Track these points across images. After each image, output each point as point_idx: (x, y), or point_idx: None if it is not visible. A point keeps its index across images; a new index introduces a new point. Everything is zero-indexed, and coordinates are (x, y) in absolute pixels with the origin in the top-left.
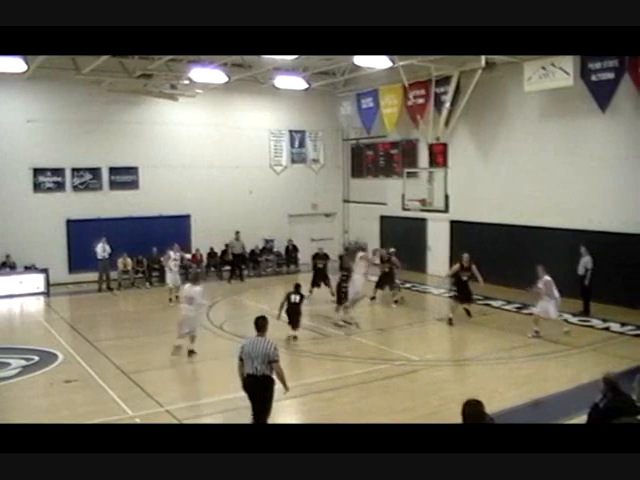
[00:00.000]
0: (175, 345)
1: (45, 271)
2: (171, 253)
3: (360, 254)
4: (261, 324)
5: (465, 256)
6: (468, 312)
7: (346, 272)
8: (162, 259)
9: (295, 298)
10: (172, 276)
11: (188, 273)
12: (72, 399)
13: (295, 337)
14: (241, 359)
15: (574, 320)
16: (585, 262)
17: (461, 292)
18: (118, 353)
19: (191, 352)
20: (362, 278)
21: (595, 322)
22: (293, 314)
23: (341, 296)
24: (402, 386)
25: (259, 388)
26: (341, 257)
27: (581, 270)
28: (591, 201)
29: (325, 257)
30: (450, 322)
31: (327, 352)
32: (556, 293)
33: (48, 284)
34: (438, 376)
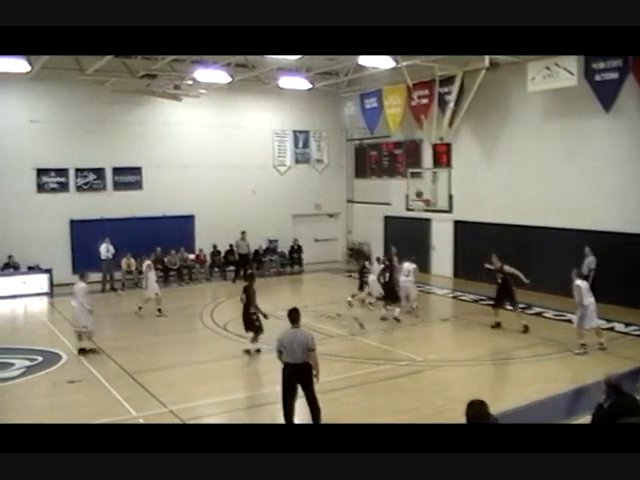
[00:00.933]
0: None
1: (49, 271)
2: (149, 262)
3: (412, 266)
4: (294, 316)
5: (493, 257)
6: (526, 328)
7: (394, 279)
8: (144, 267)
9: (242, 297)
10: (155, 285)
11: (192, 274)
12: (75, 399)
13: (248, 351)
14: (280, 351)
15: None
16: (589, 262)
17: (496, 296)
18: (121, 353)
19: (82, 350)
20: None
21: (599, 322)
22: (243, 318)
23: (395, 296)
24: (406, 386)
25: (302, 375)
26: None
27: (585, 270)
28: (594, 201)
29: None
30: (496, 325)
31: (331, 352)
32: (586, 300)
33: (52, 284)
34: (442, 376)
